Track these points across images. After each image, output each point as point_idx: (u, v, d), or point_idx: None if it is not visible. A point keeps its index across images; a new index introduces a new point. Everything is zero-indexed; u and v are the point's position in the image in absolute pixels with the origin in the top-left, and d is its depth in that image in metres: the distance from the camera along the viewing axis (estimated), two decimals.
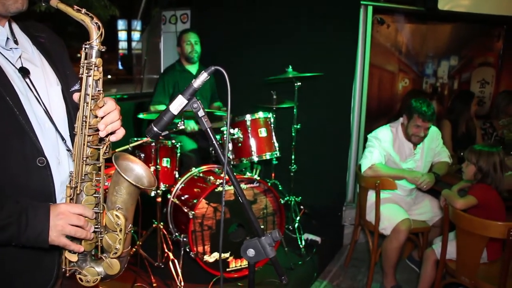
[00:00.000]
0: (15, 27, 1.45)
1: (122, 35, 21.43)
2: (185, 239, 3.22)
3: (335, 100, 4.34)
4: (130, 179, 1.39)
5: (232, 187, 3.26)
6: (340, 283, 3.66)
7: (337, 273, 3.80)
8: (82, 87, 1.34)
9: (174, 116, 1.42)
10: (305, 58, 4.25)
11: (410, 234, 3.44)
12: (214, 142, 1.43)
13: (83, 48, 1.33)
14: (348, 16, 4.21)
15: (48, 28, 1.58)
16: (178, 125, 3.42)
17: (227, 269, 3.34)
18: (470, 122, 4.49)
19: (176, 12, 5.42)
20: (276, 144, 3.76)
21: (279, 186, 4.34)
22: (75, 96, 1.39)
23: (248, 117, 3.67)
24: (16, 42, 1.41)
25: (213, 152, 3.82)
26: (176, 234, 3.40)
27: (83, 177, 1.37)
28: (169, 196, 3.50)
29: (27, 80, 1.36)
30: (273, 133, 3.77)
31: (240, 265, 3.38)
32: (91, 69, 1.33)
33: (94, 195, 1.40)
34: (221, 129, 3.64)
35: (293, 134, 4.11)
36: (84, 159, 1.36)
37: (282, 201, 3.55)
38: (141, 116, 3.57)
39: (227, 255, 3.32)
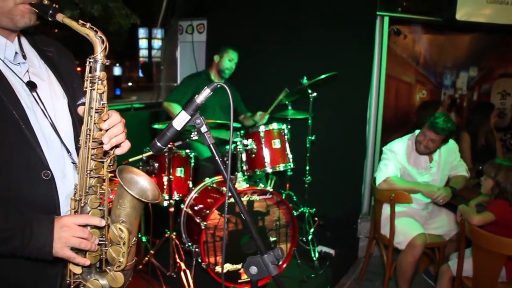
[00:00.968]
0: (24, 41, 1.47)
1: (143, 43, 21.78)
2: (197, 250, 3.22)
3: (350, 111, 4.31)
4: (133, 192, 1.39)
5: (245, 199, 3.29)
6: None
7: (351, 286, 3.74)
8: (86, 100, 1.35)
9: (177, 132, 1.41)
10: (320, 68, 4.22)
11: (426, 249, 3.38)
12: (217, 158, 1.42)
13: (87, 62, 1.34)
14: (364, 27, 4.19)
15: (56, 42, 1.60)
16: (192, 135, 3.46)
17: (239, 281, 3.32)
18: (489, 134, 4.40)
19: (192, 22, 5.47)
20: (290, 156, 3.75)
21: (294, 197, 4.33)
22: (80, 110, 1.40)
23: (262, 128, 3.68)
24: (24, 56, 1.43)
25: (227, 161, 3.82)
26: (189, 244, 3.40)
27: (87, 190, 1.38)
28: (182, 206, 3.51)
29: (34, 93, 1.38)
30: (287, 145, 3.76)
31: None
32: (95, 83, 1.34)
33: (98, 208, 1.41)
34: (235, 139, 3.63)
35: (307, 145, 4.08)
36: (89, 172, 1.37)
37: (296, 213, 3.52)
38: (156, 126, 3.59)
39: (239, 266, 3.30)
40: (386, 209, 3.49)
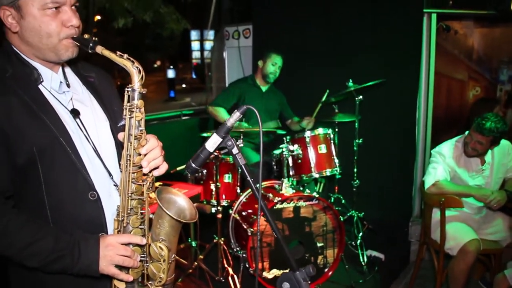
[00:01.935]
0: (67, 70, 1.60)
1: (195, 45, 22.29)
2: (244, 255, 3.30)
3: (398, 112, 4.24)
4: (172, 212, 1.49)
5: (291, 205, 3.33)
6: None
7: None
8: (125, 127, 1.45)
9: (210, 154, 1.49)
10: (367, 70, 4.19)
11: (480, 255, 3.27)
12: (249, 178, 1.48)
13: (126, 91, 1.44)
14: (411, 25, 4.10)
15: (97, 67, 1.72)
16: (238, 142, 3.54)
17: None
18: None
19: (238, 28, 5.56)
20: (337, 160, 3.75)
21: (342, 200, 4.31)
22: (120, 136, 1.50)
23: (308, 133, 3.70)
24: (68, 85, 1.56)
25: (275, 167, 3.89)
26: (237, 249, 3.49)
27: (129, 211, 1.48)
28: (230, 211, 3.60)
29: (77, 120, 1.50)
30: (333, 149, 3.77)
31: None
32: (133, 111, 1.43)
33: (139, 227, 1.51)
34: (280, 146, 3.67)
35: (355, 148, 4.06)
36: (130, 194, 1.47)
37: (343, 218, 3.51)
38: (204, 134, 3.70)
39: (286, 271, 3.34)
40: (436, 213, 3.41)
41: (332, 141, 3.77)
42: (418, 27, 4.08)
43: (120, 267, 1.44)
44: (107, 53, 1.43)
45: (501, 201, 3.23)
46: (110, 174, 1.55)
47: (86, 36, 1.45)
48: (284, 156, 3.56)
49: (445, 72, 4.54)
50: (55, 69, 1.53)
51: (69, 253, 1.37)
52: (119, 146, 1.61)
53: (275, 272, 3.32)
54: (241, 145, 3.41)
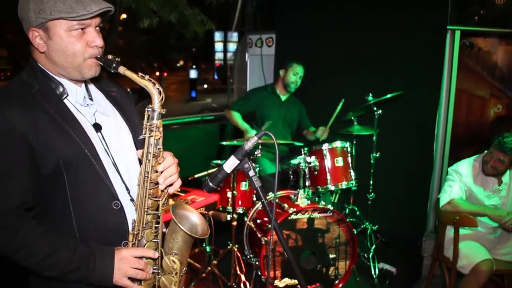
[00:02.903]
0: (90, 85, 1.68)
1: (219, 46, 22.51)
2: (257, 263, 3.37)
3: (417, 128, 4.26)
4: (185, 228, 1.57)
5: (305, 216, 3.39)
6: None
7: None
8: (144, 146, 1.53)
9: (227, 174, 1.57)
10: (387, 84, 4.22)
11: (493, 276, 3.27)
12: (263, 200, 1.54)
13: (146, 111, 1.52)
14: (434, 41, 4.11)
15: (117, 83, 1.81)
16: (256, 152, 3.61)
17: None
18: None
19: (261, 36, 5.63)
20: (353, 174, 3.79)
21: (357, 211, 4.34)
22: (138, 153, 1.59)
23: (325, 146, 3.75)
24: (91, 98, 1.64)
25: (292, 176, 3.94)
26: (251, 256, 3.56)
27: (144, 226, 1.56)
28: (245, 219, 3.67)
29: (99, 134, 1.58)
30: (350, 163, 3.81)
31: None
32: (152, 130, 1.51)
33: (153, 240, 1.59)
34: (298, 157, 3.73)
35: (371, 161, 4.09)
36: (146, 210, 1.55)
37: (356, 231, 3.55)
38: (224, 143, 3.78)
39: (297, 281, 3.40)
40: (450, 230, 3.42)
41: (349, 154, 3.81)
42: (441, 44, 4.10)
43: (133, 279, 1.52)
44: (129, 73, 1.50)
45: None
46: (127, 188, 1.62)
47: (109, 56, 1.52)
48: (301, 167, 3.61)
49: (466, 89, 4.54)
50: (78, 84, 1.61)
51: (85, 265, 1.45)
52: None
53: (286, 281, 3.38)
54: (259, 155, 3.47)
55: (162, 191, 1.58)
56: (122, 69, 1.50)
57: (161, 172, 1.55)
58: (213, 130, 5.21)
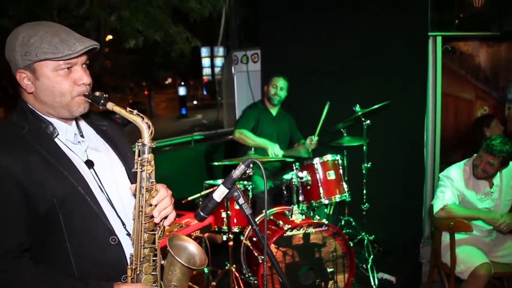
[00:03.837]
0: (81, 122, 1.69)
1: (206, 62, 22.59)
2: (255, 282, 3.35)
3: (406, 135, 4.28)
4: (182, 259, 1.56)
5: (301, 231, 3.38)
6: None
7: None
8: (137, 180, 1.53)
9: (217, 203, 1.57)
10: (373, 93, 4.24)
11: (492, 279, 3.28)
12: (255, 227, 1.55)
13: (136, 146, 1.52)
14: (416, 49, 4.16)
15: (108, 117, 1.80)
16: (248, 171, 3.60)
17: None
18: None
19: (247, 52, 5.67)
20: (345, 186, 3.80)
21: (353, 222, 4.35)
22: (132, 188, 1.58)
23: (316, 160, 3.76)
24: (82, 135, 1.64)
25: (285, 192, 3.94)
26: (248, 275, 3.54)
27: (142, 260, 1.55)
28: (242, 238, 3.66)
29: (92, 170, 1.59)
30: (342, 175, 3.82)
31: None
32: (144, 165, 1.51)
33: (152, 273, 1.58)
34: (290, 173, 3.74)
35: (363, 172, 4.10)
36: (142, 244, 1.54)
37: (352, 243, 3.54)
38: (216, 163, 3.78)
39: None
40: (446, 236, 3.43)
41: (340, 167, 3.83)
42: (424, 50, 4.15)
43: None
44: (117, 109, 1.51)
45: (510, 224, 3.26)
46: (123, 223, 1.62)
47: (97, 93, 1.53)
48: (293, 182, 3.62)
49: (452, 92, 4.59)
50: (68, 122, 1.61)
51: None
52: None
53: None
54: (251, 173, 3.47)
55: (158, 224, 1.58)
56: (110, 105, 1.51)
57: (155, 206, 1.55)
58: (204, 150, 5.20)
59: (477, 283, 3.17)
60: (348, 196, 3.82)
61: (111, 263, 1.56)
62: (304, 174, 3.68)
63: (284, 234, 3.33)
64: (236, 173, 1.54)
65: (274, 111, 4.50)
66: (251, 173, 3.45)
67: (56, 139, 1.55)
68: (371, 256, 4.00)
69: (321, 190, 3.71)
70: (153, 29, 11.64)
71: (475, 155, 3.47)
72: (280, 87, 4.38)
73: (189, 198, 3.46)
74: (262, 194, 4.13)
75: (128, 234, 1.61)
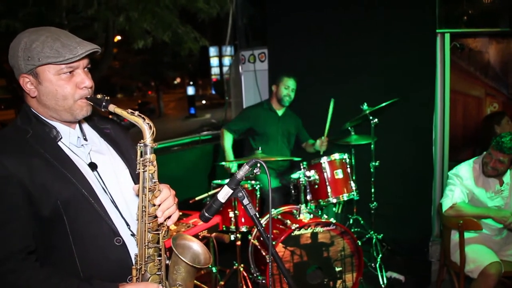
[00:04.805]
0: (84, 125, 1.71)
1: (214, 61, 22.61)
2: (263, 281, 3.35)
3: (415, 133, 4.25)
4: (187, 258, 1.57)
5: (309, 231, 3.38)
6: None
7: None
8: (140, 181, 1.53)
9: (222, 204, 1.57)
10: (381, 91, 4.23)
11: (502, 278, 3.24)
12: (260, 228, 1.54)
13: (138, 147, 1.53)
14: (425, 46, 4.12)
15: (112, 120, 1.82)
16: (255, 170, 3.60)
17: None
18: None
19: (254, 51, 5.67)
20: (353, 185, 3.79)
21: (361, 221, 4.33)
22: (135, 188, 1.59)
23: (324, 159, 3.75)
24: (85, 138, 1.66)
25: (293, 191, 3.93)
26: (256, 274, 3.55)
27: (146, 259, 1.56)
28: (249, 237, 3.66)
29: (95, 173, 1.60)
30: (350, 173, 3.80)
31: None
32: (146, 165, 1.52)
33: (157, 273, 1.59)
34: (297, 172, 3.73)
35: (371, 170, 4.08)
36: (146, 244, 1.55)
37: (360, 242, 3.53)
38: (223, 163, 3.79)
39: None
40: (455, 235, 3.40)
41: (348, 166, 3.81)
42: (432, 47, 4.11)
43: None
44: (119, 110, 1.52)
45: None
46: (127, 224, 1.63)
47: (99, 96, 1.54)
48: (301, 182, 3.61)
49: (461, 90, 4.54)
50: (72, 126, 1.63)
51: None
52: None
53: None
54: (258, 173, 3.46)
55: (161, 224, 1.58)
56: (112, 107, 1.53)
57: (159, 206, 1.56)
58: (211, 151, 5.20)
59: (487, 282, 3.13)
60: (356, 195, 3.81)
61: (116, 264, 1.58)
62: (311, 173, 3.68)
63: (292, 234, 3.33)
64: (240, 173, 1.54)
65: (280, 111, 4.49)
66: (258, 173, 3.43)
67: (59, 143, 1.57)
68: (380, 255, 3.99)
69: (329, 189, 3.70)
70: (161, 30, 11.70)
71: (484, 152, 3.44)
72: (292, 88, 4.37)
73: (197, 198, 3.47)
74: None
75: (133, 235, 1.62)
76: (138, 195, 1.56)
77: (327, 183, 3.72)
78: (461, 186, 3.39)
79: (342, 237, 3.46)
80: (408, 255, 4.21)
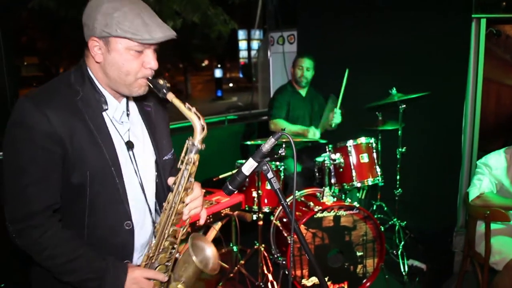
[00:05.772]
0: (130, 99, 1.69)
1: (243, 44, 22.46)
2: (284, 262, 3.37)
3: (444, 120, 4.16)
4: (198, 259, 1.61)
5: (331, 214, 3.37)
6: None
7: None
8: (178, 176, 1.55)
9: (246, 177, 1.57)
10: (413, 77, 4.15)
11: None
12: (283, 202, 1.55)
13: (186, 143, 1.53)
14: (459, 31, 4.01)
15: (155, 97, 1.75)
16: (280, 151, 3.61)
17: None
18: None
19: (283, 33, 5.61)
20: (379, 170, 3.75)
21: (385, 207, 4.29)
22: (170, 180, 1.62)
23: (350, 142, 3.71)
24: (128, 115, 1.65)
25: (317, 174, 3.91)
26: (277, 255, 3.57)
27: (160, 250, 1.60)
28: (272, 218, 3.67)
29: (130, 152, 1.60)
30: (376, 159, 3.76)
31: None
32: (188, 164, 1.53)
33: (165, 263, 1.63)
34: (322, 154, 3.70)
35: (398, 157, 4.03)
36: (166, 237, 1.59)
37: (383, 228, 3.50)
38: (248, 143, 3.79)
39: (325, 279, 3.38)
40: (481, 225, 3.33)
41: (374, 150, 3.77)
42: (466, 33, 3.99)
43: None
44: (177, 102, 1.51)
45: None
46: (150, 210, 1.66)
47: (161, 81, 1.52)
48: (325, 165, 3.59)
49: (495, 78, 4.41)
50: (119, 99, 1.62)
51: (99, 278, 1.49)
52: (160, 183, 1.72)
53: (314, 280, 3.37)
54: (283, 153, 3.45)
55: (184, 221, 1.62)
56: (170, 96, 1.51)
57: (187, 204, 1.59)
58: (237, 130, 5.21)
59: None
60: (381, 180, 3.77)
61: (119, 246, 1.60)
62: (337, 156, 3.64)
63: (315, 216, 3.33)
64: (266, 146, 1.53)
65: (303, 92, 4.47)
66: (283, 153, 3.43)
67: (103, 113, 1.56)
68: (402, 243, 3.95)
69: (353, 173, 3.67)
70: (191, 11, 11.68)
71: None
72: (306, 67, 4.33)
73: (221, 176, 3.49)
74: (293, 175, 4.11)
75: (153, 222, 1.66)
76: (169, 188, 1.59)
77: (352, 167, 3.69)
78: (489, 176, 3.31)
79: (365, 222, 3.44)
80: (431, 244, 4.15)
